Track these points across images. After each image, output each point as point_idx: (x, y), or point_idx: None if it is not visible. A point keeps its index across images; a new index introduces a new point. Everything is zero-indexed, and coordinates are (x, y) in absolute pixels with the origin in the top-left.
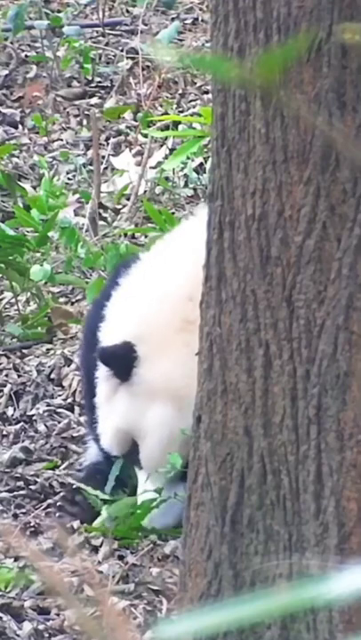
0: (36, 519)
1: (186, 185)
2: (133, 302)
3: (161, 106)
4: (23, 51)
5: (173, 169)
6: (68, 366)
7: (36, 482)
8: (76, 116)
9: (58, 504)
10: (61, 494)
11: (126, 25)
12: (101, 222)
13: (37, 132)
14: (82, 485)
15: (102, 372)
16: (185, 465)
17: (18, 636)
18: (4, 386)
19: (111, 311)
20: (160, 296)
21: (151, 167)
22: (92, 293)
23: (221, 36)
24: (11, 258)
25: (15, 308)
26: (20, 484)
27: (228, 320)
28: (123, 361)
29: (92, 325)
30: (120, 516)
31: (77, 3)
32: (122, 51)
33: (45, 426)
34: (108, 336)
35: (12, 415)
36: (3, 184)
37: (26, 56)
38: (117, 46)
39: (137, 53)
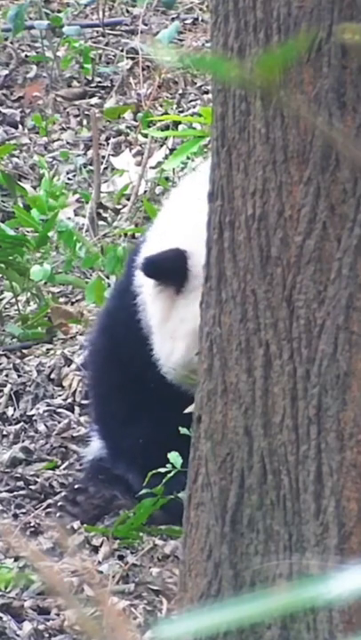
0: (36, 519)
1: None
2: (176, 219)
3: (161, 106)
4: (23, 51)
5: (173, 169)
6: (68, 366)
7: (36, 482)
8: (76, 116)
9: (59, 504)
10: (62, 494)
11: (126, 25)
12: (101, 222)
13: (37, 132)
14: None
15: (150, 291)
16: (185, 465)
17: (18, 636)
18: (4, 386)
19: (152, 234)
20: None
21: (151, 167)
22: (92, 293)
23: (221, 36)
24: (11, 258)
25: (15, 308)
26: (20, 484)
27: (228, 320)
28: (176, 265)
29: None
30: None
31: (77, 3)
32: (122, 51)
33: (45, 426)
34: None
35: (12, 415)
36: (3, 184)
37: (26, 56)
38: (117, 46)
39: (137, 53)
